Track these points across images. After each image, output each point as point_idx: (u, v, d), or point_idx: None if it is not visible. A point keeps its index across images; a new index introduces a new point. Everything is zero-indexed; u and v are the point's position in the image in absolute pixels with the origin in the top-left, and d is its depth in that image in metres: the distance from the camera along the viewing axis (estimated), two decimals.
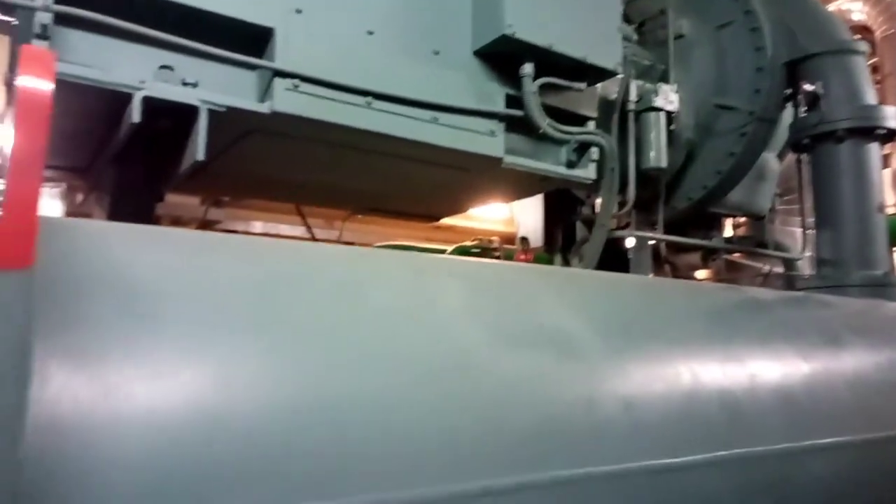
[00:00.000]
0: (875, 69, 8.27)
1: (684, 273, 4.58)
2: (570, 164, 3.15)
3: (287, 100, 2.34)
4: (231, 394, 1.29)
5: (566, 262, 4.42)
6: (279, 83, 2.33)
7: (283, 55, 2.34)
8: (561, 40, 2.80)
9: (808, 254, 4.33)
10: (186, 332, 1.31)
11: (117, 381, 1.19)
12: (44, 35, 1.96)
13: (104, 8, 2.09)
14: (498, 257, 6.32)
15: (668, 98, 3.67)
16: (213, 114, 2.22)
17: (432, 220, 4.17)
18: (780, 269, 4.87)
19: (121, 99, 2.14)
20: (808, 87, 3.70)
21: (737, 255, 4.95)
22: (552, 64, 2.85)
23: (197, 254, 1.49)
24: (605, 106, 3.50)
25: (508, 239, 6.42)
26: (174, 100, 2.14)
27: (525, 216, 5.02)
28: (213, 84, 2.28)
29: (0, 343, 0.88)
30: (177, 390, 1.24)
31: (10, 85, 2.49)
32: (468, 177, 3.11)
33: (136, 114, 2.06)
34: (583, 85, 3.01)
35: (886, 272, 3.54)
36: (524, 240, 4.93)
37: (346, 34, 2.50)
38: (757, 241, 4.57)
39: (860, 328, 2.73)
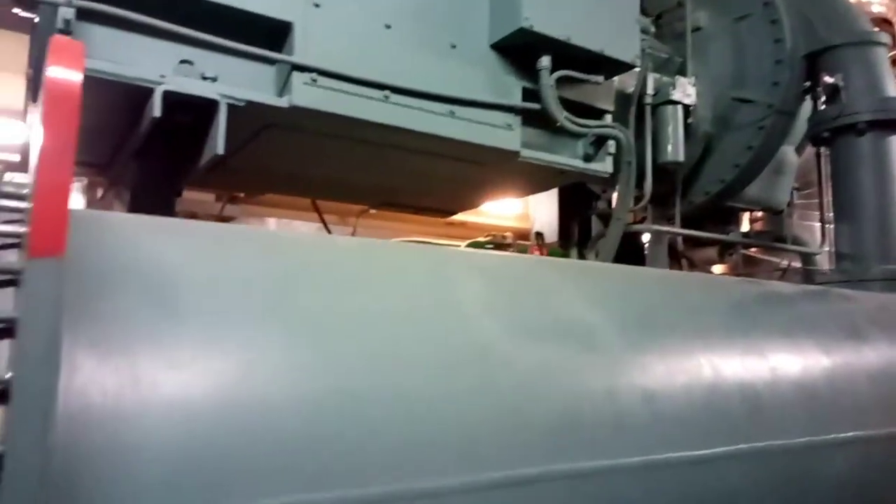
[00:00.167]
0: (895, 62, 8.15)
1: (701, 268, 4.55)
2: (587, 158, 3.13)
3: (305, 94, 2.35)
4: (253, 383, 1.30)
5: (582, 257, 4.40)
6: (297, 77, 2.34)
7: (302, 49, 2.35)
8: (578, 33, 2.79)
9: (826, 248, 4.28)
10: (210, 323, 1.33)
11: (143, 371, 1.21)
12: (66, 30, 1.98)
13: (125, 3, 2.11)
14: None
15: (685, 91, 3.64)
16: (231, 108, 2.24)
17: (447, 215, 4.17)
18: (797, 265, 4.83)
19: (141, 94, 2.16)
20: (828, 79, 3.65)
21: (754, 249, 4.91)
22: (569, 57, 2.84)
23: (220, 246, 1.51)
24: (622, 99, 3.48)
25: (522, 235, 6.40)
26: (195, 94, 2.16)
27: (540, 211, 5.01)
28: (232, 78, 2.30)
29: (33, 331, 0.89)
30: (200, 380, 1.26)
31: (31, 80, 2.52)
32: (484, 171, 3.10)
33: (156, 108, 2.08)
34: (600, 78, 3.00)
35: None
36: (539, 234, 4.92)
37: (364, 28, 2.51)
38: (775, 235, 4.53)
39: (882, 322, 2.70)
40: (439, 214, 4.15)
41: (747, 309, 2.41)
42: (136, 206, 2.63)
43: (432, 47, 2.66)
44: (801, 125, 4.08)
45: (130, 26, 2.14)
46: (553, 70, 2.81)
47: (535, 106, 2.85)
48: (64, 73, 0.96)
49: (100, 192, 3.16)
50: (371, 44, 2.51)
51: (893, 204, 3.53)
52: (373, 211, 4.36)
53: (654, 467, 1.70)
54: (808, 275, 4.49)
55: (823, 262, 4.54)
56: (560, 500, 1.54)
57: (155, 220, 1.54)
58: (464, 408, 1.48)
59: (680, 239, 4.09)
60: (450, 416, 1.45)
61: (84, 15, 2.05)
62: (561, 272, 2.10)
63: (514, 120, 2.85)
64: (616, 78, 3.19)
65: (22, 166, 2.57)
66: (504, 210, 7.62)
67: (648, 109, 3.59)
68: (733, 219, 4.44)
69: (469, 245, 6.63)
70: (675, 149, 3.61)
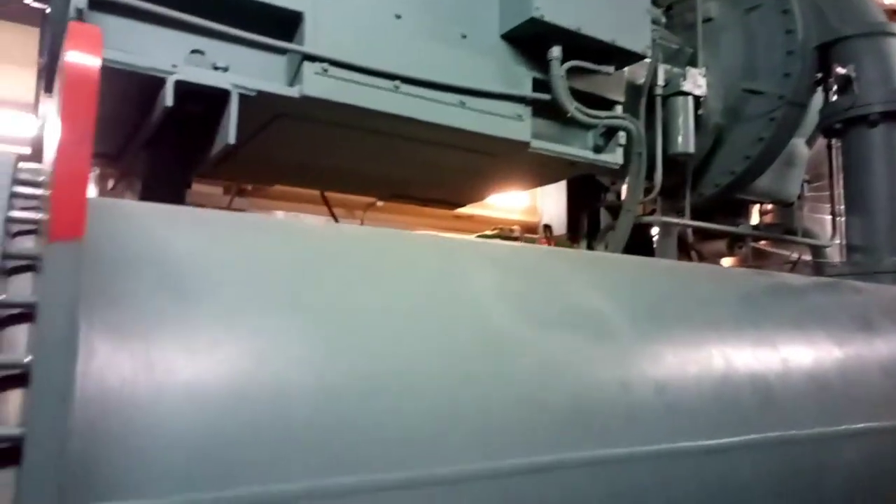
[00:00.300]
0: None
1: (710, 261, 4.53)
2: (597, 149, 3.12)
3: (316, 84, 2.35)
4: (267, 370, 1.30)
5: (591, 249, 4.39)
6: (308, 67, 2.34)
7: (313, 39, 2.35)
8: (589, 23, 2.77)
9: (837, 241, 4.25)
10: (225, 310, 1.33)
11: (158, 357, 1.21)
12: (79, 20, 1.98)
13: None
14: None
15: (696, 82, 3.62)
16: (242, 98, 2.24)
17: (456, 207, 4.17)
18: (807, 258, 4.80)
19: (152, 84, 2.16)
20: (840, 70, 3.63)
21: (763, 242, 4.89)
22: (580, 47, 2.82)
23: (234, 234, 1.51)
24: (633, 90, 3.46)
25: (529, 228, 6.40)
26: (206, 83, 2.16)
27: (548, 204, 5.00)
28: (243, 68, 2.30)
29: (52, 315, 0.90)
30: (215, 366, 1.26)
31: (43, 71, 2.53)
32: (494, 162, 3.10)
33: (168, 97, 2.08)
34: (611, 68, 2.99)
35: None
36: (547, 227, 4.91)
37: (374, 18, 2.50)
38: (785, 228, 4.51)
39: (894, 314, 2.69)
40: (448, 206, 4.15)
41: (758, 300, 2.41)
42: (147, 197, 2.63)
43: (443, 37, 2.65)
44: (811, 117, 4.05)
45: (142, 16, 2.14)
46: (564, 60, 2.80)
47: (546, 96, 2.84)
48: (82, 58, 0.96)
49: (111, 183, 3.17)
50: (381, 34, 2.51)
51: None
52: (380, 204, 4.36)
53: (666, 456, 1.70)
54: (818, 267, 4.46)
55: (834, 256, 4.52)
56: (573, 488, 1.54)
57: (170, 209, 1.54)
58: (477, 396, 1.48)
59: (689, 231, 4.08)
60: (463, 404, 1.45)
61: (96, 4, 2.05)
62: (572, 262, 2.09)
63: (525, 110, 2.84)
64: (626, 69, 3.17)
65: (34, 159, 2.58)
66: (511, 203, 7.61)
67: (659, 100, 3.58)
68: (743, 211, 4.43)
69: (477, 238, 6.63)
70: (686, 140, 3.60)
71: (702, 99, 3.68)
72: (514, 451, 1.45)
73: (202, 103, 2.25)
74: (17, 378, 1.05)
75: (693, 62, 3.79)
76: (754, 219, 4.73)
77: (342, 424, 1.32)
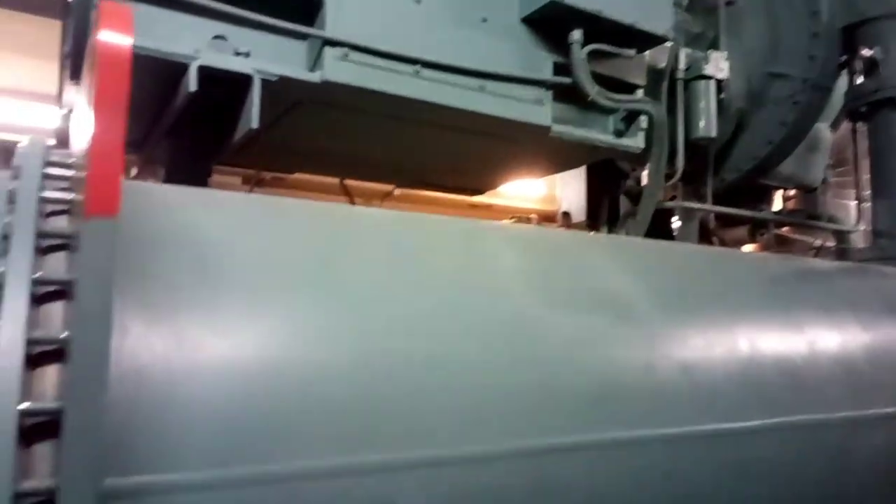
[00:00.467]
0: None
1: (732, 247, 4.48)
2: (619, 134, 3.09)
3: (337, 69, 2.35)
4: (296, 348, 1.32)
5: None
6: (329, 52, 2.34)
7: (333, 24, 2.34)
8: (610, 6, 2.74)
9: (862, 227, 4.19)
10: (254, 290, 1.34)
11: (188, 334, 1.23)
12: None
13: None
14: None
15: (718, 66, 3.57)
16: (264, 84, 2.24)
17: (476, 193, 4.15)
18: (830, 244, 4.73)
19: (174, 70, 2.17)
20: (866, 52, 3.56)
21: (786, 228, 4.83)
22: (601, 30, 2.79)
23: (263, 216, 1.52)
24: (654, 74, 3.42)
25: (547, 217, 6.36)
26: (229, 69, 2.17)
27: (567, 191, 4.97)
28: (264, 54, 2.30)
29: (89, 291, 0.91)
30: (243, 345, 1.28)
31: (68, 60, 2.55)
32: (514, 147, 3.08)
33: (192, 83, 2.09)
34: (632, 52, 2.95)
35: None
36: (566, 214, 4.88)
37: (395, 2, 2.49)
38: (809, 213, 4.44)
39: None
40: (468, 193, 4.13)
41: (785, 284, 2.38)
42: (169, 183, 2.65)
43: (463, 21, 2.63)
44: (835, 101, 3.98)
45: (165, 2, 2.15)
46: (585, 44, 2.77)
47: (567, 80, 2.81)
48: (115, 37, 0.97)
49: (134, 171, 3.20)
50: (402, 18, 2.50)
51: None
52: (397, 193, 4.36)
53: (692, 438, 1.69)
54: (842, 253, 4.40)
55: (858, 242, 4.46)
56: (598, 469, 1.54)
57: (199, 191, 1.56)
58: (503, 376, 1.48)
59: (711, 217, 4.03)
60: (489, 384, 1.46)
61: None
62: (598, 245, 2.09)
63: (545, 95, 2.82)
64: (647, 52, 3.13)
65: (59, 148, 2.60)
66: (529, 192, 7.57)
67: (681, 84, 3.53)
68: (766, 197, 4.37)
69: None
70: (708, 124, 3.55)
71: (724, 83, 3.62)
72: (540, 431, 1.45)
73: (223, 89, 2.25)
74: (53, 353, 1.07)
75: (715, 45, 3.73)
76: (777, 204, 4.67)
77: (369, 403, 1.33)
